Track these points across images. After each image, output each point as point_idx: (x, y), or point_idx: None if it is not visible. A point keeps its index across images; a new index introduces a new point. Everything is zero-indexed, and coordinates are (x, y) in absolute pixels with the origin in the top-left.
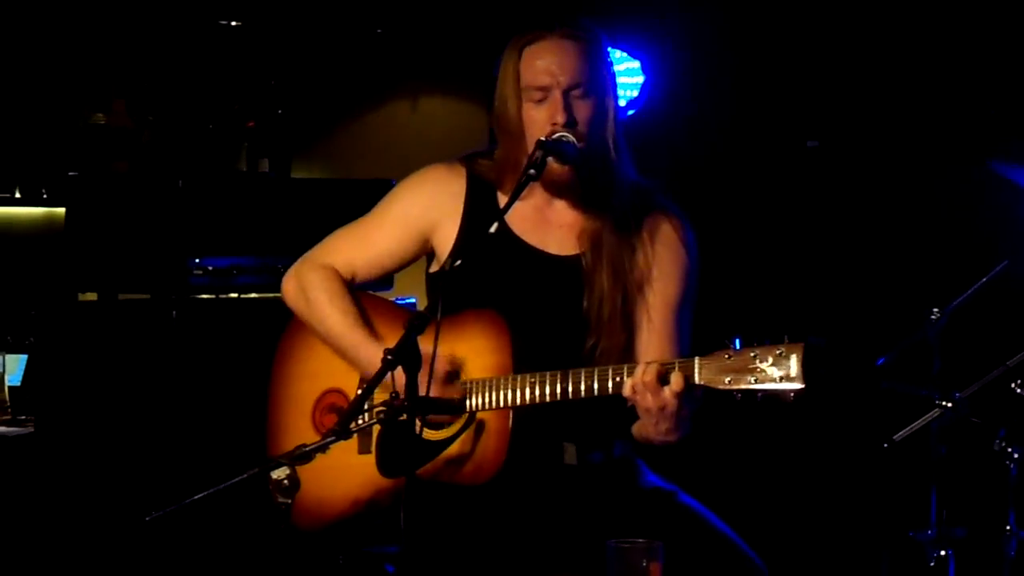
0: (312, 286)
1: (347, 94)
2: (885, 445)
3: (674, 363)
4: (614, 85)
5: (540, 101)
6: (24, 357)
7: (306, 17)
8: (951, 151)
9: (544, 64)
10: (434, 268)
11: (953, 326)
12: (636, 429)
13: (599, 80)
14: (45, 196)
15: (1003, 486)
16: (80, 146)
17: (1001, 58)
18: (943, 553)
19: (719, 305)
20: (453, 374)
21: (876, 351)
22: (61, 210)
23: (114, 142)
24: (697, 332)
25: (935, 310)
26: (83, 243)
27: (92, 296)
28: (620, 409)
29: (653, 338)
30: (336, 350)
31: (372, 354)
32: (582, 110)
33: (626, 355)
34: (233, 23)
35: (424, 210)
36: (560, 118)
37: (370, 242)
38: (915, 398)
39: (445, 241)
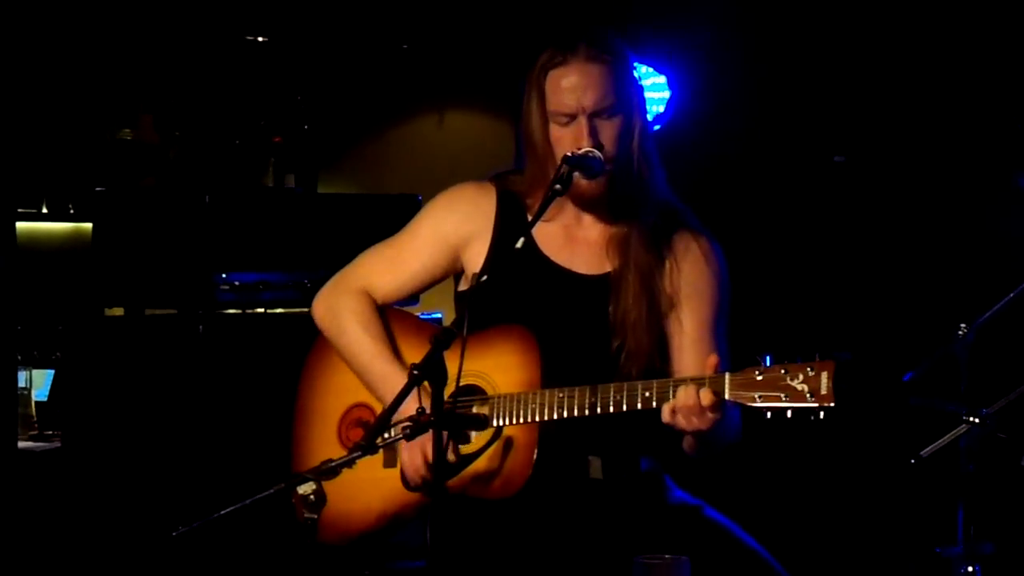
0: (343, 312)
1: (373, 109)
2: (912, 461)
3: (704, 380)
4: (642, 101)
5: (566, 124)
6: (51, 372)
7: (332, 33)
8: (978, 166)
9: (569, 88)
10: (463, 286)
11: (981, 342)
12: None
13: (625, 100)
14: (72, 211)
15: None
16: (107, 162)
17: None
18: (970, 569)
19: (746, 320)
20: (480, 390)
21: (903, 367)
22: (88, 225)
23: (141, 158)
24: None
25: (963, 326)
26: (110, 258)
27: (119, 311)
28: (646, 424)
29: (687, 359)
30: (363, 380)
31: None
32: (608, 131)
33: (652, 359)
34: (259, 39)
35: (455, 228)
36: (586, 143)
37: (402, 261)
38: (942, 414)
39: (475, 259)
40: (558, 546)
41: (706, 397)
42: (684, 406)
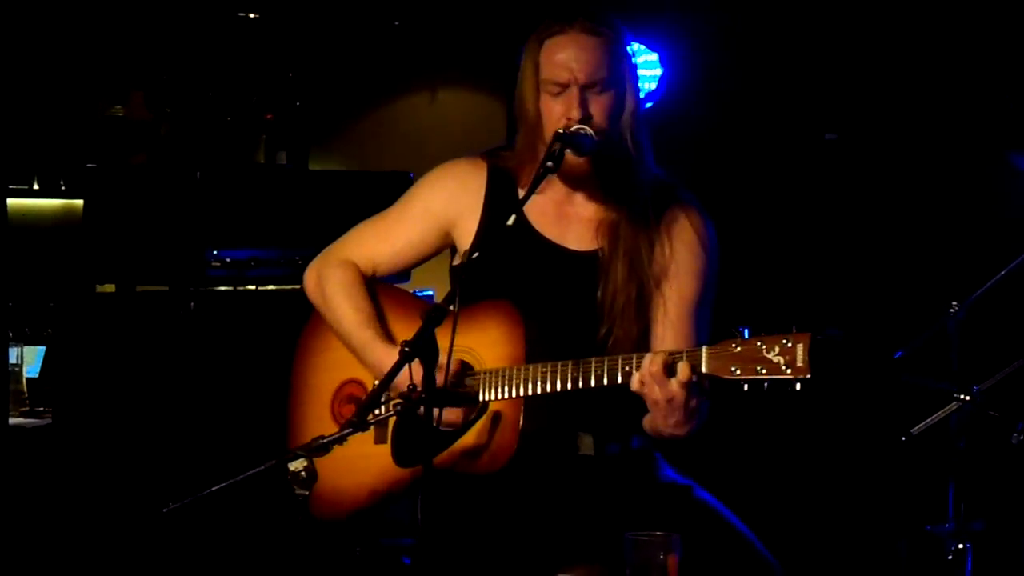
0: (330, 282)
1: (365, 86)
2: (903, 439)
3: (682, 353)
4: (635, 79)
5: (558, 94)
6: (42, 349)
7: (324, 9)
8: (969, 144)
9: (563, 59)
10: (456, 261)
11: (972, 319)
12: (647, 422)
13: (618, 75)
14: (63, 188)
15: (1021, 479)
16: (98, 138)
17: (1019, 51)
18: (961, 547)
19: (737, 299)
20: (468, 365)
21: (894, 344)
22: (79, 202)
23: (132, 134)
24: (713, 325)
25: (954, 303)
26: (101, 235)
27: (110, 288)
28: (638, 401)
29: (668, 334)
30: (348, 348)
31: (380, 355)
32: (599, 105)
33: (640, 346)
34: (251, 15)
35: (446, 204)
36: (575, 113)
37: (392, 236)
38: (933, 391)
39: (466, 235)
40: (547, 521)
41: (683, 371)
42: (648, 374)
